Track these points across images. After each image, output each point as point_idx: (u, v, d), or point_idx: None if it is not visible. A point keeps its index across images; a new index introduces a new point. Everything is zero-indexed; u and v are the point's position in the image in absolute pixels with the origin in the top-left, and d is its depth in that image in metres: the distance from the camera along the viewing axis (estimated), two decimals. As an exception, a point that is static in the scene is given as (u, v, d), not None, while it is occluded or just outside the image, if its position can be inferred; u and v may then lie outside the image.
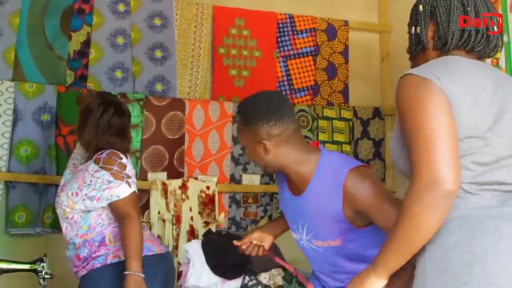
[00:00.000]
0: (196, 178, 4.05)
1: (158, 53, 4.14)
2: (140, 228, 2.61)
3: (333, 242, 2.14)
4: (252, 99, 2.18)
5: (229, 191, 4.20)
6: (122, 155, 2.73)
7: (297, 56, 4.53)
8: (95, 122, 2.77)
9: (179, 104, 4.10)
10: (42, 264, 2.97)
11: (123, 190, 2.64)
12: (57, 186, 3.70)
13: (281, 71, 4.47)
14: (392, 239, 1.61)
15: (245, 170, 4.24)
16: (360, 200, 1.96)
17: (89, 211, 2.69)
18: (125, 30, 4.08)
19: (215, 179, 4.10)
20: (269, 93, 2.28)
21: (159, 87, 4.12)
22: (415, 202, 1.53)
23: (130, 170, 2.73)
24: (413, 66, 1.85)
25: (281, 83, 4.47)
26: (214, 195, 4.06)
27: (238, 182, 4.23)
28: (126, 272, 2.51)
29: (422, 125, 1.56)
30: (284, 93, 4.46)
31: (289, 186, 2.28)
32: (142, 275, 2.52)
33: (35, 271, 2.98)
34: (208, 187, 4.04)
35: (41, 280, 2.97)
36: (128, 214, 2.61)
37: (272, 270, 3.27)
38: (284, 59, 4.49)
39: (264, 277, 3.22)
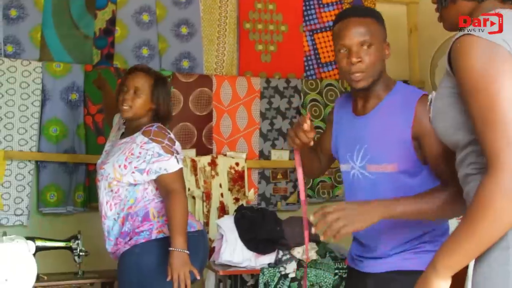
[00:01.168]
0: (225, 155, 4.04)
1: (184, 30, 4.10)
2: (186, 204, 2.57)
3: (389, 166, 2.02)
4: None
5: (258, 167, 4.18)
6: (169, 131, 2.70)
7: (323, 29, 4.46)
8: (168, 92, 2.82)
9: (207, 81, 4.08)
10: (77, 241, 3.00)
11: (172, 164, 2.58)
12: (87, 164, 3.73)
13: (308, 45, 4.42)
14: (462, 234, 1.40)
15: (273, 146, 4.21)
16: (427, 123, 1.81)
17: (135, 184, 2.63)
18: (150, 7, 4.05)
19: (244, 156, 4.07)
20: None
21: (185, 64, 4.09)
22: (500, 195, 1.33)
23: (178, 146, 2.67)
24: (440, 21, 1.63)
25: (308, 57, 4.41)
26: (243, 172, 4.04)
27: (267, 158, 4.20)
28: (171, 249, 2.47)
29: (501, 107, 1.36)
30: (311, 67, 4.41)
31: (355, 107, 2.15)
32: (187, 251, 2.48)
33: (70, 248, 3.01)
34: (237, 164, 4.02)
35: (76, 257, 2.99)
36: (175, 189, 2.56)
37: (306, 244, 3.24)
38: (311, 33, 4.43)
39: (297, 252, 3.20)
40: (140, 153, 2.59)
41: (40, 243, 2.93)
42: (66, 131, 3.75)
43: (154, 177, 2.58)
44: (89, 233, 3.51)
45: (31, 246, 1.80)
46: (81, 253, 2.97)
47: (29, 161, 3.66)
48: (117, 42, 3.96)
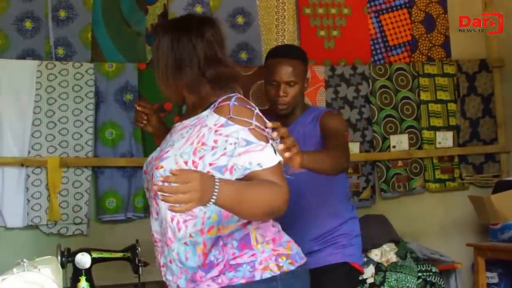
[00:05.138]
0: (290, 150, 3.78)
1: (240, 19, 3.88)
2: (284, 201, 1.73)
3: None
4: None
5: (326, 162, 3.90)
6: (251, 103, 1.89)
7: (390, 9, 4.19)
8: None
9: (266, 72, 3.85)
10: (134, 251, 2.81)
11: (268, 156, 1.72)
12: (145, 168, 3.55)
13: (374, 28, 4.15)
14: None
15: (342, 138, 3.94)
16: (326, 124, 2.56)
17: None
18: (202, -2, 3.86)
19: (311, 150, 3.81)
20: None
21: (243, 55, 3.87)
22: None
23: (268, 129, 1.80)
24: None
25: (375, 41, 4.14)
26: (311, 167, 3.77)
27: (336, 151, 3.92)
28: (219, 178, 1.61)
29: None
30: (378, 51, 4.13)
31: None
32: (217, 188, 1.55)
33: (128, 259, 2.83)
34: (304, 159, 3.76)
35: (134, 268, 2.81)
36: (277, 183, 1.75)
37: (384, 245, 2.95)
38: (376, 14, 4.16)
39: (375, 254, 2.92)
40: (215, 141, 1.76)
41: (96, 255, 2.76)
42: (122, 134, 3.59)
43: (240, 175, 1.74)
44: (150, 240, 3.33)
45: (57, 274, 1.45)
46: (139, 264, 2.78)
47: (86, 167, 3.52)
48: (171, 37, 3.76)
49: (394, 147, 4.05)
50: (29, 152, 3.44)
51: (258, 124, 1.77)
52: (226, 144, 1.74)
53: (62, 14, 3.60)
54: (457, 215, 4.18)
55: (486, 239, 3.92)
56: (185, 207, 1.48)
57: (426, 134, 4.12)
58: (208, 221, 1.77)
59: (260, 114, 1.82)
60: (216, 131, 1.77)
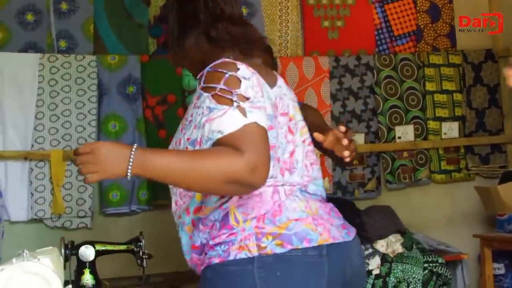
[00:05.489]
0: (295, 142, 3.75)
1: (244, 10, 3.85)
2: (248, 174, 1.46)
3: None
4: None
5: (331, 153, 3.88)
6: (239, 64, 1.60)
7: (395, -1, 4.15)
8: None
9: (270, 63, 3.82)
10: (138, 244, 2.80)
11: (230, 121, 1.51)
12: (149, 161, 3.53)
13: (379, 18, 4.12)
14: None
15: (347, 129, 3.91)
16: None
17: None
18: (205, -11, 3.82)
19: (315, 141, 3.78)
20: None
21: (247, 46, 3.84)
22: None
23: (250, 86, 1.57)
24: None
25: (379, 31, 4.11)
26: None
27: (341, 142, 3.90)
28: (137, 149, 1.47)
29: None
30: (383, 41, 4.10)
31: None
32: (128, 173, 1.45)
33: (132, 251, 2.81)
34: (308, 151, 3.74)
35: (138, 261, 2.79)
36: (238, 149, 1.47)
37: (390, 236, 2.93)
38: (381, 4, 4.14)
39: (381, 245, 2.90)
40: (192, 115, 1.65)
41: (100, 247, 2.75)
42: (125, 126, 3.57)
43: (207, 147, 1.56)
44: (154, 232, 3.34)
45: (59, 266, 1.42)
46: (144, 257, 2.77)
47: (89, 160, 3.50)
48: (173, 29, 3.74)
49: (399, 138, 4.02)
50: (32, 145, 3.42)
51: (225, 87, 1.55)
52: (197, 115, 1.61)
53: (64, 6, 3.58)
54: (463, 206, 4.15)
55: (493, 230, 3.89)
56: (89, 177, 1.45)
57: (432, 124, 4.09)
58: (193, 201, 1.68)
59: (238, 75, 1.57)
60: (194, 104, 1.66)
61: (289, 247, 1.53)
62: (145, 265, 2.80)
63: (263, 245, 1.54)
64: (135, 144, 1.47)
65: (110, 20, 3.66)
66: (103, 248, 2.77)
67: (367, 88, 3.98)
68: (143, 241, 2.80)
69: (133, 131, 3.58)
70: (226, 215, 1.61)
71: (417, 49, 4.16)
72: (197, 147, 1.58)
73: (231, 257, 1.55)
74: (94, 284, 2.72)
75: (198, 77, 1.65)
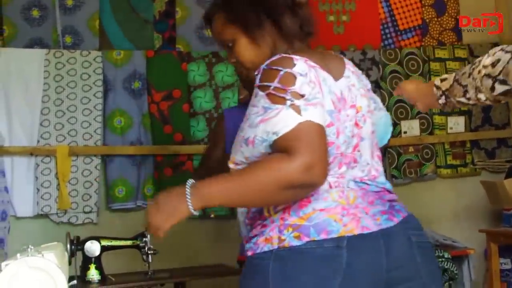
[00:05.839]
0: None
1: (248, 5, 3.84)
2: (301, 174, 1.41)
3: None
4: None
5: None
6: (297, 59, 1.52)
7: (400, -7, 4.13)
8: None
9: (275, 59, 3.80)
10: (144, 239, 2.80)
11: (284, 121, 1.46)
12: (155, 156, 3.55)
13: (384, 12, 4.09)
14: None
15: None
16: None
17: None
18: (210, -16, 3.81)
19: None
20: None
21: (252, 41, 3.82)
22: None
23: (306, 82, 1.49)
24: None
25: (385, 25, 4.08)
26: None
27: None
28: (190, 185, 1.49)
29: None
30: (389, 36, 4.08)
31: None
32: (194, 211, 1.46)
33: (137, 247, 2.81)
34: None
35: (144, 256, 2.79)
36: (291, 150, 1.42)
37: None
38: (386, -2, 4.10)
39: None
40: (248, 114, 1.58)
41: (105, 242, 2.75)
42: (131, 122, 3.57)
43: (262, 149, 1.50)
44: (160, 228, 3.33)
45: (64, 261, 1.41)
46: (149, 252, 2.76)
47: (95, 155, 3.51)
48: (179, 24, 3.74)
49: (405, 132, 4.00)
50: (38, 141, 3.43)
51: (279, 86, 1.48)
52: (252, 114, 1.54)
53: (69, 2, 3.59)
54: (469, 201, 4.13)
55: (499, 225, 3.88)
56: (161, 229, 1.50)
57: (438, 119, 4.07)
58: None
59: (294, 71, 1.49)
60: (251, 101, 1.58)
61: (306, 239, 1.47)
62: (150, 261, 2.80)
63: (283, 237, 1.49)
64: (189, 180, 1.48)
65: (116, 16, 3.66)
66: (109, 244, 2.77)
67: (372, 82, 3.94)
68: (148, 236, 2.80)
69: (138, 126, 3.58)
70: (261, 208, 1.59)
71: (423, 44, 4.13)
72: (249, 146, 1.52)
73: (258, 250, 1.52)
74: (99, 280, 2.72)
75: (256, 73, 1.57)
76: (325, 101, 1.53)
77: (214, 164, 2.49)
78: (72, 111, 3.49)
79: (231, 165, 1.61)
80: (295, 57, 1.52)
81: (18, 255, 1.16)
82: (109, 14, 3.65)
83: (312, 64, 1.54)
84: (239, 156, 1.56)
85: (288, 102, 1.45)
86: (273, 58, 1.54)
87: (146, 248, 2.78)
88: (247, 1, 1.67)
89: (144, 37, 3.69)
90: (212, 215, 3.60)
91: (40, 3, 3.53)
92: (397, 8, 4.11)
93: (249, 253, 1.55)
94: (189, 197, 1.46)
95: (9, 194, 3.36)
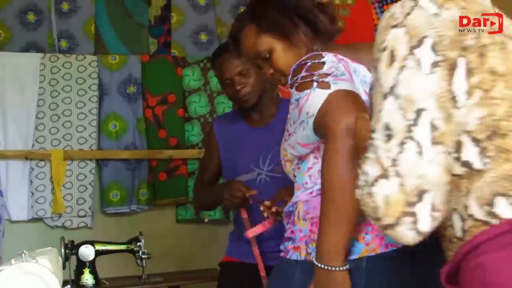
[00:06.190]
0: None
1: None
2: (347, 157, 1.35)
3: None
4: None
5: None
6: (325, 53, 1.53)
7: (394, 0, 4.13)
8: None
9: (270, 64, 3.82)
10: (138, 243, 2.81)
11: (314, 99, 1.42)
12: (149, 160, 3.56)
13: (378, 18, 4.09)
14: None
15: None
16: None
17: (300, 158, 1.59)
18: (206, -11, 3.83)
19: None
20: None
21: (247, 47, 3.84)
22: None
23: (335, 67, 1.48)
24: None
25: (379, 31, 4.08)
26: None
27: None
28: (315, 263, 1.42)
29: None
30: (383, 42, 4.09)
31: (249, 121, 2.46)
32: (344, 268, 1.39)
33: (131, 251, 2.82)
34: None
35: (138, 261, 2.80)
36: (329, 129, 1.37)
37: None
38: (380, 5, 4.11)
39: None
40: (289, 113, 1.60)
41: (100, 247, 2.76)
42: (125, 126, 3.58)
43: (308, 131, 1.45)
44: (154, 232, 3.34)
45: (57, 267, 1.42)
46: (143, 256, 2.77)
47: (90, 160, 3.52)
48: (174, 29, 3.76)
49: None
50: (33, 145, 3.43)
51: (306, 74, 1.47)
52: (291, 111, 1.57)
53: (65, 6, 3.59)
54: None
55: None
56: None
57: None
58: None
59: (319, 61, 1.49)
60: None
61: None
62: (144, 265, 2.81)
63: (309, 250, 1.48)
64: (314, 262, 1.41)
65: (111, 20, 3.67)
66: (103, 248, 2.78)
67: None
68: (142, 240, 2.81)
69: (133, 130, 3.59)
70: (295, 209, 1.56)
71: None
72: (294, 136, 1.51)
73: (288, 255, 1.53)
74: (93, 284, 2.72)
75: (289, 75, 1.57)
76: (359, 91, 1.47)
77: (212, 177, 2.55)
78: (67, 115, 3.50)
79: (287, 163, 1.62)
80: (323, 52, 1.53)
81: (13, 260, 1.18)
82: (104, 18, 3.66)
83: (341, 57, 1.54)
84: (289, 151, 1.56)
85: (315, 84, 1.43)
86: (302, 58, 1.54)
87: (140, 252, 2.79)
88: (278, 7, 1.65)
89: (140, 42, 3.71)
90: (206, 220, 3.61)
91: (36, 7, 3.54)
92: (391, 15, 4.13)
93: (282, 254, 1.58)
94: (330, 267, 1.37)
95: (3, 197, 3.36)
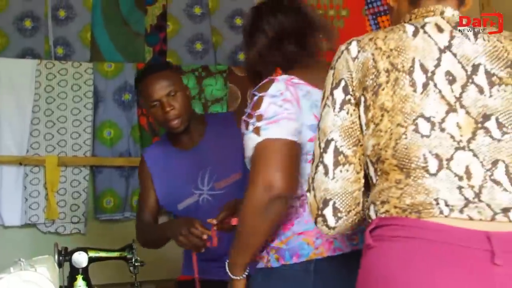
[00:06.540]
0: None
1: (239, 21, 3.89)
2: (261, 203, 1.50)
3: (236, 175, 2.27)
4: None
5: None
6: (278, 80, 1.62)
7: (387, 11, 4.10)
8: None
9: (265, 74, 3.85)
10: (131, 251, 2.82)
11: (247, 144, 1.57)
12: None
13: (372, 30, 4.13)
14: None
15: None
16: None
17: None
18: (201, -1, 3.86)
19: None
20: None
21: (242, 56, 3.86)
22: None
23: (273, 102, 1.56)
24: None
25: (373, 43, 4.12)
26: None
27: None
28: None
29: None
30: (376, 53, 4.13)
31: (179, 145, 2.42)
32: (243, 276, 1.63)
33: (124, 258, 2.83)
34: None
35: (131, 268, 2.81)
36: (251, 182, 1.53)
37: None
38: (374, 16, 4.16)
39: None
40: None
41: (93, 254, 2.76)
42: (120, 133, 3.60)
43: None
44: (147, 239, 3.35)
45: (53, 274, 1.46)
46: (136, 264, 2.78)
47: (84, 166, 3.53)
48: (170, 38, 3.78)
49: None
50: (27, 150, 3.44)
51: (249, 111, 1.59)
52: None
53: (62, 13, 3.61)
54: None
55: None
56: None
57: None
58: None
59: (268, 94, 1.57)
60: None
61: (282, 262, 1.60)
62: (137, 272, 2.82)
63: (268, 257, 1.63)
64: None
65: (107, 28, 3.69)
66: (96, 255, 2.78)
67: (359, 99, 4.02)
68: (135, 248, 2.82)
69: (127, 138, 3.61)
70: None
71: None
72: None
73: (257, 265, 1.68)
74: (86, 290, 2.73)
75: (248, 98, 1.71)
76: (305, 116, 1.59)
77: (152, 213, 2.54)
78: (62, 122, 3.51)
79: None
80: (277, 78, 1.61)
81: (12, 268, 1.20)
82: (101, 26, 3.68)
83: (296, 81, 1.62)
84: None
85: (251, 127, 1.56)
86: (261, 83, 1.63)
87: (133, 260, 2.80)
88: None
89: (135, 50, 3.73)
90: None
91: (32, 13, 3.56)
92: (384, 27, 4.16)
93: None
94: (234, 276, 1.62)
95: (-3, 203, 3.38)
